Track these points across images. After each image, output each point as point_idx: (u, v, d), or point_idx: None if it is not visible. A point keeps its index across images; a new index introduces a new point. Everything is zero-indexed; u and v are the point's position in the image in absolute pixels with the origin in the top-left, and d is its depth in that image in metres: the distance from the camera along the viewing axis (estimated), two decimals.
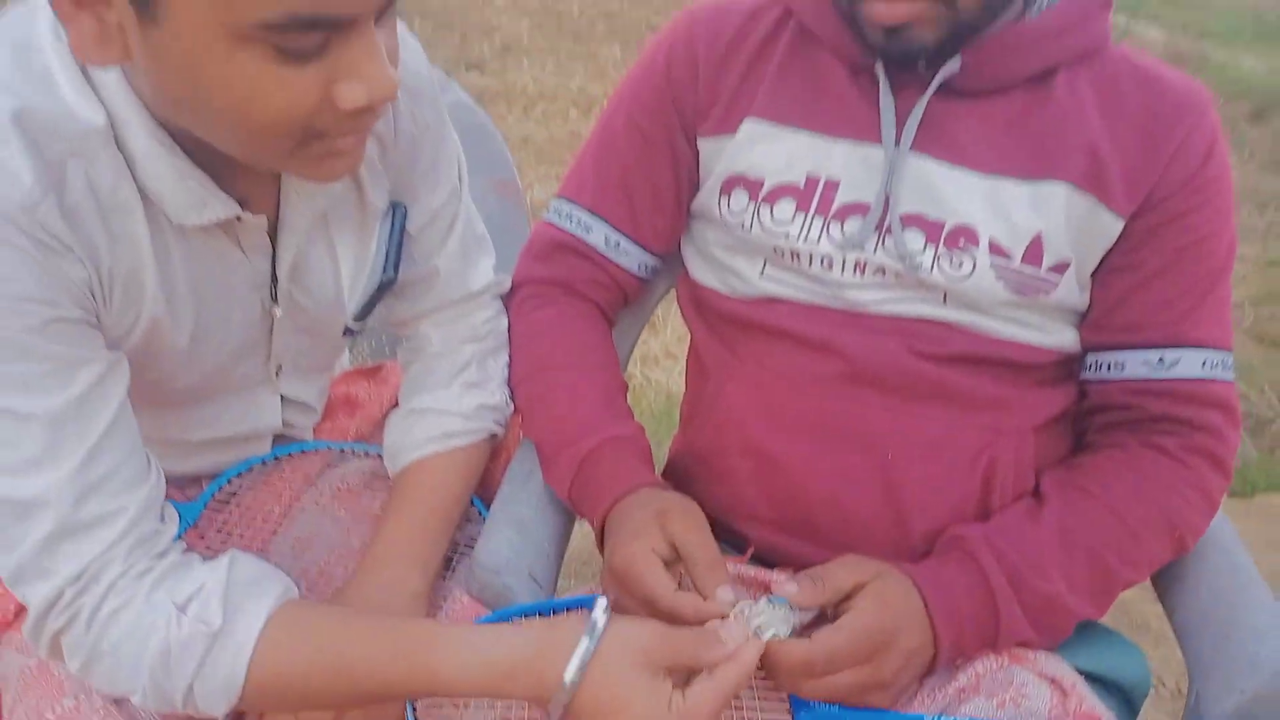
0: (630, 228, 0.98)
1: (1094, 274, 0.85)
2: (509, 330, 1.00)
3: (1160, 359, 0.83)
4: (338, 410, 1.08)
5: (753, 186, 0.89)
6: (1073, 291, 0.84)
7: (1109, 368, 0.86)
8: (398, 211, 0.87)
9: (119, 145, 0.66)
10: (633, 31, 7.53)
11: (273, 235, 0.79)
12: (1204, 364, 0.83)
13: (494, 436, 0.97)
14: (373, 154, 0.83)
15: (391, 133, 0.83)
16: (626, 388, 0.97)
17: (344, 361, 1.16)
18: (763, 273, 0.91)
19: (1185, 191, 0.80)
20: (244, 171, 0.72)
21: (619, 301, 1.03)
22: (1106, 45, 0.84)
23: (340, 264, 0.85)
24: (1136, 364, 0.84)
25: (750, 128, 0.88)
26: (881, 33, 0.79)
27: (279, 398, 0.94)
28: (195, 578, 0.69)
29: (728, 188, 0.90)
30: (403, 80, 0.73)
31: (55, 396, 0.65)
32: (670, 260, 1.03)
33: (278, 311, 0.83)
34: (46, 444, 0.65)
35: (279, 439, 1.00)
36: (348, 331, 0.91)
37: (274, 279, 0.81)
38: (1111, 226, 0.82)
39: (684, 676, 0.67)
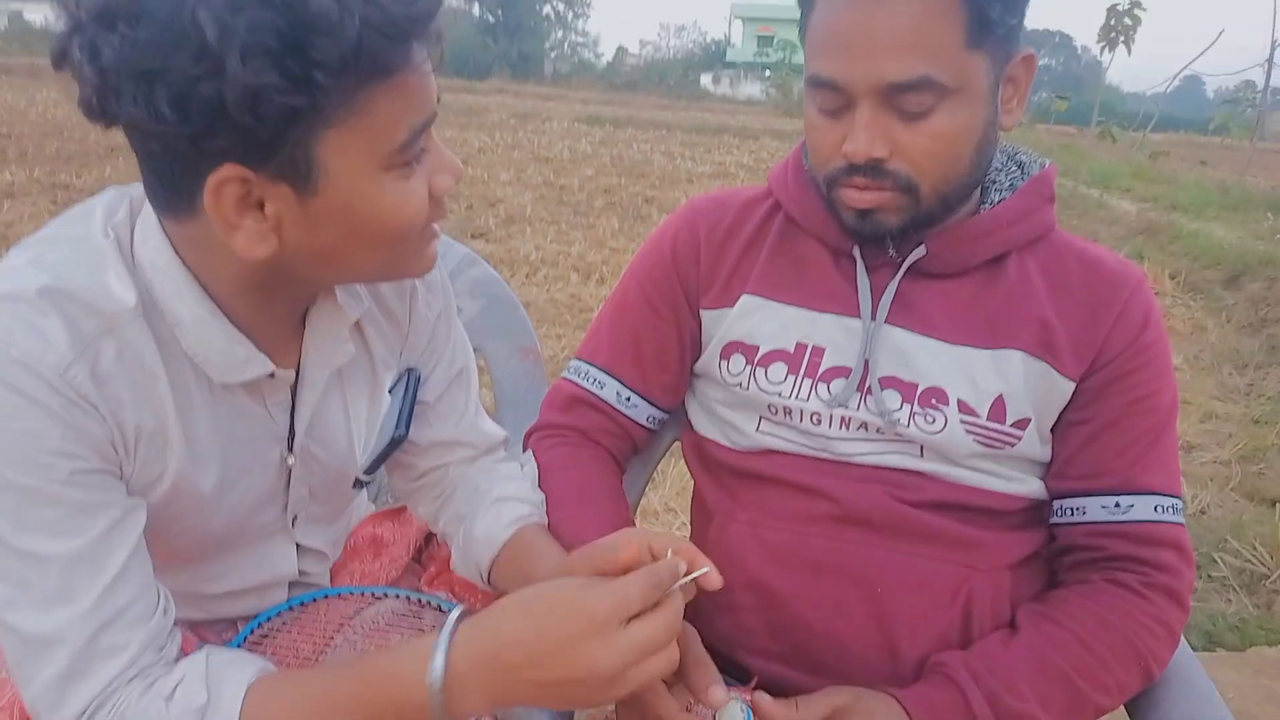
0: (640, 385, 1.09)
1: (1053, 428, 0.95)
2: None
3: (1116, 504, 0.93)
4: (364, 550, 1.15)
5: (749, 351, 1.01)
6: (1035, 444, 0.94)
7: (1072, 512, 0.95)
8: (411, 375, 0.98)
9: (160, 318, 0.76)
10: (629, 204, 7.94)
11: (293, 392, 0.88)
12: (1156, 508, 0.92)
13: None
14: (384, 326, 0.95)
15: (407, 314, 0.96)
16: (633, 524, 1.05)
17: (365, 503, 1.24)
18: (759, 427, 1.01)
19: (1127, 355, 0.92)
20: (270, 335, 0.83)
21: (629, 450, 1.14)
22: (1051, 232, 0.98)
23: (352, 420, 0.94)
24: (1096, 508, 0.94)
25: (746, 301, 1.01)
26: (854, 215, 0.92)
27: (294, 546, 0.99)
28: (177, 673, 0.74)
29: (727, 352, 1.02)
30: (427, 279, 0.92)
31: (74, 539, 0.71)
32: (675, 414, 1.14)
33: (291, 460, 0.90)
34: (63, 583, 0.70)
35: (294, 586, 1.05)
36: (358, 483, 0.99)
37: (292, 432, 0.89)
38: (1064, 387, 0.93)
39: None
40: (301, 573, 1.03)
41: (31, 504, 0.70)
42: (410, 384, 0.98)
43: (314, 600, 1.06)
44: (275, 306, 0.82)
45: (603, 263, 5.58)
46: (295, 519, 0.97)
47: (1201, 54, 12.43)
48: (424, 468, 1.06)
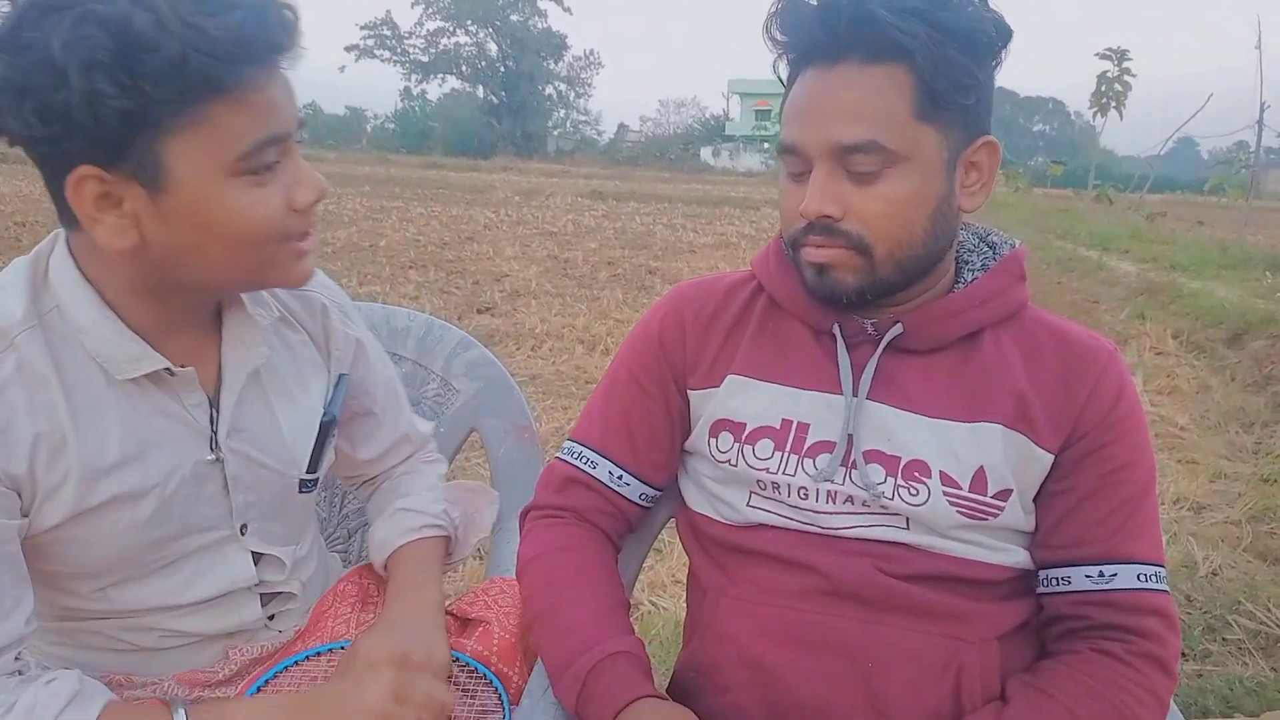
0: (631, 464, 1.12)
1: (1035, 499, 0.97)
2: (522, 548, 1.12)
3: (1100, 573, 0.94)
4: (354, 604, 1.18)
5: (736, 429, 1.03)
6: (1018, 515, 0.96)
7: (1057, 582, 0.97)
8: (343, 377, 1.11)
9: (65, 326, 0.88)
10: (633, 276, 8.04)
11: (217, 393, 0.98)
12: (1139, 576, 0.94)
13: (449, 539, 1.19)
14: (305, 338, 1.08)
15: (322, 330, 1.10)
16: (628, 604, 1.07)
17: (339, 566, 1.29)
18: (749, 502, 1.03)
19: (1102, 427, 0.95)
20: (180, 338, 0.94)
21: (623, 528, 1.15)
22: (1024, 309, 1.01)
23: (279, 416, 1.03)
24: (1080, 578, 0.95)
25: (732, 381, 1.04)
26: (813, 272, 0.96)
27: (250, 554, 1.05)
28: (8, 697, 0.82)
29: (715, 430, 1.05)
30: (337, 302, 1.12)
31: None
32: (669, 491, 1.16)
33: (213, 456, 0.97)
34: None
35: (267, 600, 1.10)
36: (304, 486, 1.07)
37: (215, 430, 0.98)
38: (1043, 459, 0.95)
39: None
40: (262, 581, 1.08)
41: None
42: (343, 385, 1.11)
43: (307, 658, 1.09)
44: (174, 310, 0.93)
45: (607, 334, 5.63)
46: (244, 528, 1.04)
47: (1192, 117, 12.65)
48: (376, 473, 1.23)
